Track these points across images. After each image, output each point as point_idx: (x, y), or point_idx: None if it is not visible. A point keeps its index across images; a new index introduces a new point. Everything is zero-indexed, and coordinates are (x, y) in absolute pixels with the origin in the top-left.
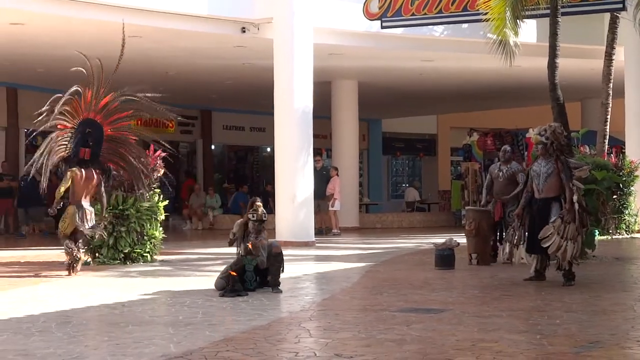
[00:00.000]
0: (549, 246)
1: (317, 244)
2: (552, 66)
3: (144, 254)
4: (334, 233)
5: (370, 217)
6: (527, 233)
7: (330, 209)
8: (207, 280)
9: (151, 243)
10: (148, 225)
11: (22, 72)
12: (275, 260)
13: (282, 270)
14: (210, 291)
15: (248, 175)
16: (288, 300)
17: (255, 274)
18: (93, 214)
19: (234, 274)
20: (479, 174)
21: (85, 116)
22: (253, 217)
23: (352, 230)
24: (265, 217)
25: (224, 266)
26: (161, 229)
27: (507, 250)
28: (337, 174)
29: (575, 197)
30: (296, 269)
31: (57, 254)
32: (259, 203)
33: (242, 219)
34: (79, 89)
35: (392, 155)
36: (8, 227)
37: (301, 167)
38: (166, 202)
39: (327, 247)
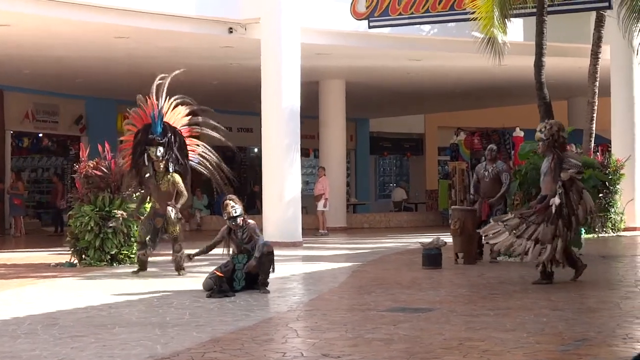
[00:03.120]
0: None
1: (304, 244)
2: (538, 65)
3: (131, 256)
4: (321, 233)
5: (357, 217)
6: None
7: (318, 209)
8: (194, 281)
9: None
10: (135, 226)
11: (8, 74)
12: (267, 260)
13: (273, 270)
14: (197, 292)
15: (235, 177)
16: (275, 300)
17: (244, 275)
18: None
19: (221, 274)
20: (466, 173)
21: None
22: (224, 216)
23: (340, 231)
24: (235, 212)
25: (212, 267)
26: (177, 230)
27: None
28: (325, 174)
29: (554, 199)
30: (284, 269)
31: (43, 256)
32: (227, 202)
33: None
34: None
35: (379, 155)
36: None
37: (289, 166)
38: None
39: (315, 247)
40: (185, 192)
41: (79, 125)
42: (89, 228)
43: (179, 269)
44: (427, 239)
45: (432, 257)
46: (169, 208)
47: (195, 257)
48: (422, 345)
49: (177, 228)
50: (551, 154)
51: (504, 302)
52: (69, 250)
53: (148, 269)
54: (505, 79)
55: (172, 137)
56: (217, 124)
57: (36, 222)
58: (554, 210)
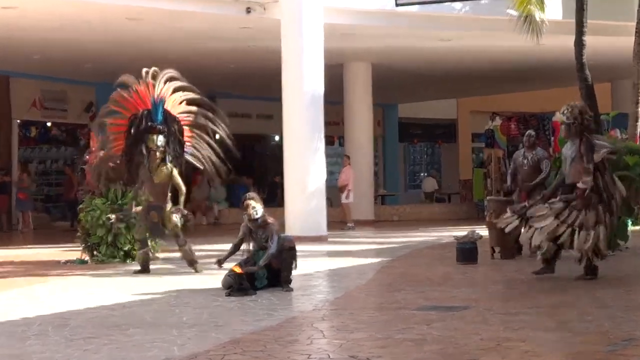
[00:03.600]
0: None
1: (329, 239)
2: (579, 44)
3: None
4: (348, 227)
5: (386, 209)
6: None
7: (344, 201)
8: (212, 278)
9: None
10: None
11: (14, 59)
12: (288, 256)
13: (295, 267)
14: (216, 290)
15: (254, 167)
16: (299, 299)
17: (266, 273)
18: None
19: (241, 271)
20: (502, 161)
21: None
22: (244, 217)
23: (367, 224)
24: (256, 214)
25: (232, 264)
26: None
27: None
28: (350, 164)
29: (585, 182)
30: (308, 265)
31: (53, 253)
32: (247, 202)
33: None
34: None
35: (409, 142)
36: (2, 225)
37: (312, 155)
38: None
39: (341, 241)
40: (183, 187)
41: (90, 112)
42: (101, 222)
43: (192, 263)
44: (461, 232)
45: (466, 252)
46: (175, 215)
47: (224, 261)
48: (456, 346)
49: (174, 223)
50: (578, 138)
51: (544, 299)
52: (79, 247)
53: (163, 266)
54: (544, 60)
55: (174, 126)
56: (215, 117)
57: (45, 217)
58: (587, 192)
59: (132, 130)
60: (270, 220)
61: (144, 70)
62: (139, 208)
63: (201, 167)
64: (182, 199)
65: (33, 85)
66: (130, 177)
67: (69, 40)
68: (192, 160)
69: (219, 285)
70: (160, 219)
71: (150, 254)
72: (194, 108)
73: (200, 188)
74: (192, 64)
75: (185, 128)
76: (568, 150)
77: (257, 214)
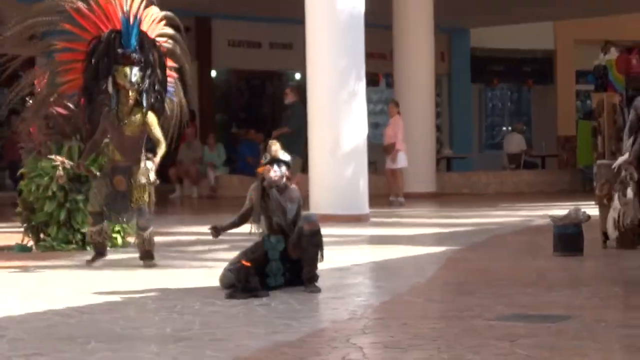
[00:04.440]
0: None
1: (372, 219)
2: None
3: (112, 235)
4: (397, 202)
5: (453, 177)
6: None
7: (391, 166)
8: (207, 274)
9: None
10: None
11: None
12: (310, 243)
13: (321, 259)
14: (212, 290)
15: (267, 116)
16: (330, 303)
17: (283, 264)
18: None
19: (248, 264)
20: (619, 109)
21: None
22: (266, 158)
23: (427, 198)
24: (283, 156)
25: (235, 253)
26: (147, 197)
27: None
28: (399, 113)
29: None
30: (342, 256)
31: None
32: (273, 147)
33: (256, 182)
34: None
35: (486, 83)
36: None
37: (347, 101)
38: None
39: (388, 223)
40: (163, 140)
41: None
42: (50, 194)
43: (145, 257)
44: (560, 210)
45: (568, 239)
46: (147, 163)
47: (222, 232)
48: None
49: (145, 195)
50: None
51: None
52: (20, 228)
53: (138, 255)
54: None
55: (153, 54)
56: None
57: None
58: None
59: (94, 60)
60: (293, 186)
61: None
62: (65, 160)
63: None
64: (160, 153)
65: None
66: (91, 128)
67: None
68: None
69: (216, 283)
70: (128, 186)
71: (105, 234)
72: (174, 33)
73: (191, 147)
74: None
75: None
76: None
77: (284, 155)
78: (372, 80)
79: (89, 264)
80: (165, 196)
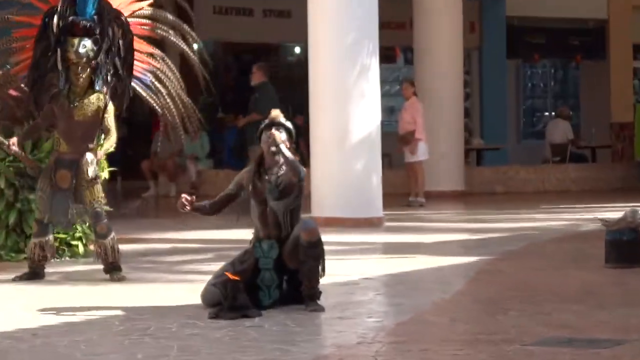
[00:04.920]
0: None
1: (387, 223)
2: None
3: (72, 243)
4: (416, 202)
5: (484, 173)
6: None
7: (410, 159)
8: (187, 289)
9: (85, 224)
10: None
11: None
12: (309, 256)
13: (322, 272)
14: (193, 309)
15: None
16: (335, 324)
17: (277, 276)
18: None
19: (237, 277)
20: None
21: None
22: (269, 138)
23: (452, 198)
24: (285, 121)
25: (220, 264)
26: (103, 197)
27: None
28: (415, 94)
29: None
30: (350, 268)
31: None
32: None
33: (249, 166)
34: None
35: (524, 59)
36: None
37: (357, 81)
38: (110, 148)
39: (406, 228)
40: (114, 130)
41: None
42: None
43: (111, 269)
44: (613, 213)
45: (623, 247)
46: (86, 155)
47: (197, 209)
48: None
49: (99, 194)
50: None
51: None
52: None
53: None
54: None
55: (113, 27)
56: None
57: None
58: None
59: (44, 33)
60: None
61: None
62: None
63: (159, 111)
64: (108, 144)
65: None
66: (38, 110)
67: None
68: (147, 97)
69: (198, 300)
70: (72, 182)
71: (51, 249)
72: (158, 13)
73: (166, 137)
74: None
75: (141, 42)
76: None
77: (285, 120)
78: (387, 55)
79: (17, 280)
80: (137, 195)
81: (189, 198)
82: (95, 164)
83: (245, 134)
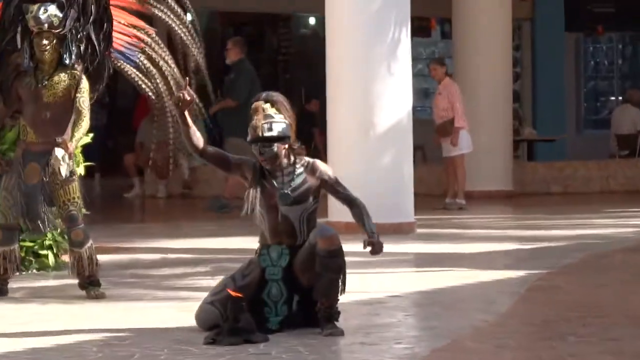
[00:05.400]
0: None
1: (419, 229)
2: None
3: (41, 252)
4: (455, 204)
5: (537, 169)
6: None
7: (449, 153)
8: (178, 308)
9: (56, 229)
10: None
11: None
12: (327, 268)
13: (343, 289)
14: (186, 332)
15: (266, 77)
16: (357, 351)
17: (286, 289)
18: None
19: (239, 294)
20: None
21: None
22: (249, 135)
23: (498, 199)
24: (267, 129)
25: (218, 278)
26: (80, 197)
27: None
28: (448, 74)
29: None
30: (375, 284)
31: None
32: (257, 104)
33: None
34: None
35: (586, 32)
36: None
37: (384, 58)
38: (83, 137)
39: (443, 236)
40: (87, 113)
41: None
42: None
43: (88, 284)
44: None
45: None
46: (57, 152)
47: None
48: None
49: (75, 194)
50: None
51: None
52: None
53: (77, 282)
54: None
55: None
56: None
57: None
58: None
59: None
60: (308, 159)
61: None
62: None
63: (150, 94)
64: (80, 131)
65: None
66: (2, 95)
67: None
68: (134, 77)
69: (192, 321)
70: (42, 177)
71: (16, 259)
72: None
73: (154, 124)
74: None
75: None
76: None
77: (269, 128)
78: (421, 27)
79: None
80: (119, 195)
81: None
82: (68, 159)
83: (221, 123)
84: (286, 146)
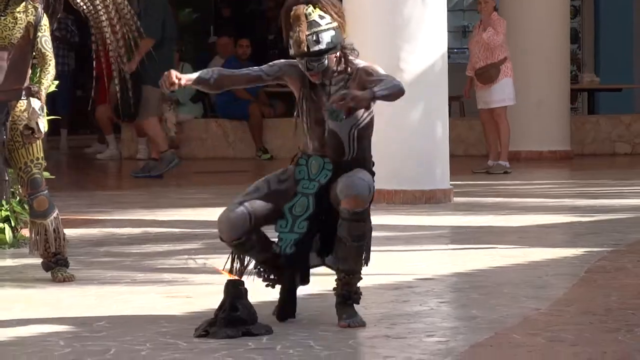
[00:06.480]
0: None
1: (457, 198)
2: None
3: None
4: (498, 166)
5: (600, 125)
6: None
7: (490, 104)
8: (162, 293)
9: (15, 198)
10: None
11: None
12: (350, 232)
13: (366, 262)
14: (173, 322)
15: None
16: (380, 346)
17: (314, 207)
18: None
19: (235, 277)
20: None
21: None
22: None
23: (552, 161)
24: (316, 41)
25: (214, 257)
26: (43, 157)
27: None
28: (496, 8)
29: None
30: (403, 263)
31: None
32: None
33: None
34: None
35: None
36: None
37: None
38: (50, 84)
39: (484, 205)
40: (52, 56)
41: None
42: None
43: (53, 265)
44: None
45: None
46: (32, 100)
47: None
48: None
49: (38, 154)
50: None
51: None
52: None
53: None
54: None
55: None
56: None
57: None
58: None
59: None
60: (359, 62)
61: None
62: None
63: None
64: (48, 78)
65: None
66: None
67: None
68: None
69: (178, 310)
70: (5, 137)
71: None
72: None
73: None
74: None
75: None
76: None
77: (319, 39)
78: None
79: None
80: (90, 157)
81: (178, 75)
82: (43, 111)
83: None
84: (338, 54)
